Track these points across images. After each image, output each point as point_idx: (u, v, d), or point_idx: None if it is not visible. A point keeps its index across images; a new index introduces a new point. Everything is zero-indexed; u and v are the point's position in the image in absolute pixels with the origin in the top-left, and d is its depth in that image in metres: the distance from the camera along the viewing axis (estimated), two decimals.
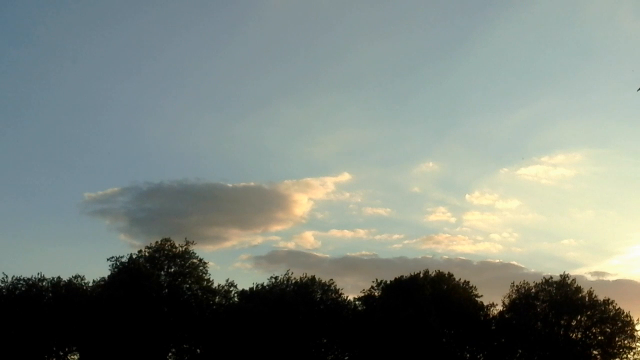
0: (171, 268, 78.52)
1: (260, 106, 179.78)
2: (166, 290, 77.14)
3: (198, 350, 76.65)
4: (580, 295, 77.22)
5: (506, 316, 78.46)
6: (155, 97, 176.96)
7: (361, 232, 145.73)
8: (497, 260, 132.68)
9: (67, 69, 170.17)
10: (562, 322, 76.86)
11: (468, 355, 78.42)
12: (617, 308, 76.20)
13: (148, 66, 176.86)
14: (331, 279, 79.60)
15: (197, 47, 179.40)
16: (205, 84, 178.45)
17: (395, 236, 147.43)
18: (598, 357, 75.49)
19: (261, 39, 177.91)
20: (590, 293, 77.33)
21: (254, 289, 78.03)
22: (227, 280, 79.56)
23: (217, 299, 78.77)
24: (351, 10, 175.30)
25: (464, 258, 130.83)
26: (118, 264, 76.72)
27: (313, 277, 78.99)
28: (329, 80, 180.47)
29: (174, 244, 78.83)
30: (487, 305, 79.66)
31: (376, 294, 77.88)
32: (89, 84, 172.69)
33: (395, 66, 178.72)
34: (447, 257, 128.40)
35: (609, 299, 77.01)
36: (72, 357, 76.73)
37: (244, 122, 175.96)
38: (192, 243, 79.49)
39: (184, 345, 77.13)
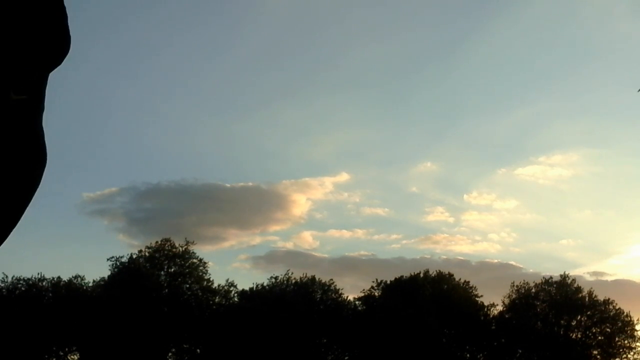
0: (171, 268, 78.45)
1: (259, 106, 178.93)
2: (166, 290, 77.09)
3: (198, 350, 76.65)
4: (580, 295, 77.19)
5: (506, 316, 78.42)
6: (154, 98, 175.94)
7: (359, 232, 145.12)
8: (496, 260, 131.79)
9: (66, 69, 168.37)
10: (562, 322, 76.88)
11: (468, 355, 78.40)
12: (617, 308, 76.16)
13: (146, 66, 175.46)
14: (331, 279, 79.65)
15: (196, 48, 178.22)
16: (203, 85, 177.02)
17: (394, 236, 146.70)
18: (598, 357, 75.52)
19: (259, 39, 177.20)
20: (590, 293, 77.31)
21: (254, 289, 78.06)
22: (227, 280, 79.60)
23: (217, 299, 78.74)
24: (350, 11, 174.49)
25: (462, 258, 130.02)
26: (118, 264, 76.76)
27: (313, 277, 78.90)
28: (327, 81, 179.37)
29: (174, 244, 78.76)
30: (487, 305, 79.61)
31: (376, 294, 77.88)
32: (87, 85, 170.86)
33: (393, 67, 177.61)
34: (445, 257, 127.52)
35: (609, 299, 77.03)
36: (72, 357, 76.77)
37: (243, 122, 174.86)
38: (192, 243, 79.54)
39: (184, 345, 77.11)
